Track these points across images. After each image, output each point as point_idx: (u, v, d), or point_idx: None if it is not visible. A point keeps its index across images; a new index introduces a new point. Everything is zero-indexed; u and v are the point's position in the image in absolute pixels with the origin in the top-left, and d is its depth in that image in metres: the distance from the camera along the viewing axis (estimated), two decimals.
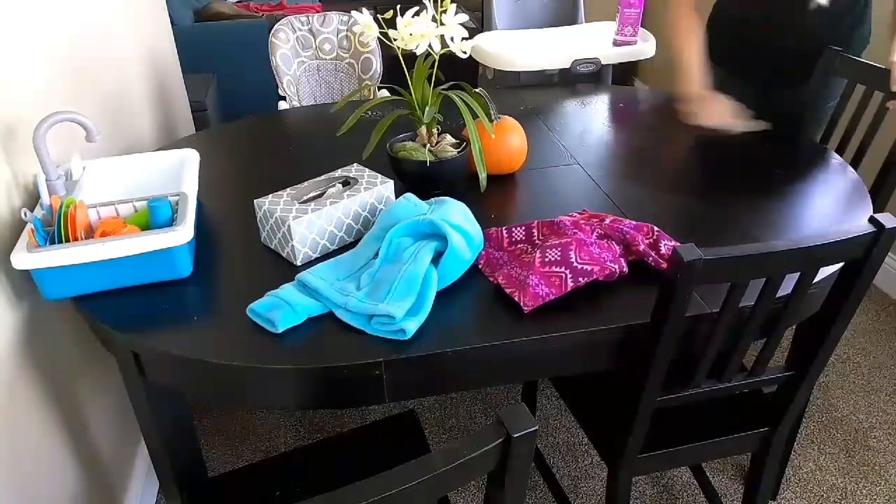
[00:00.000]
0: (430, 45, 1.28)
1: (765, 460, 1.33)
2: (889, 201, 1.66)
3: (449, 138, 1.40)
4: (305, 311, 1.04)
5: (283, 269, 1.16)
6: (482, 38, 2.21)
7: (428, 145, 1.37)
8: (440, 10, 1.27)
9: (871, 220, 0.98)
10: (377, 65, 2.32)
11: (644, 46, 2.14)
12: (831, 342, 1.14)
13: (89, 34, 1.69)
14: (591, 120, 1.77)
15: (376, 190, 1.23)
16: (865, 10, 1.73)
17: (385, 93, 2.31)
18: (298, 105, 2.29)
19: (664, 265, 1.10)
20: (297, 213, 1.14)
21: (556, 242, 1.11)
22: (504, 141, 1.42)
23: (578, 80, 2.12)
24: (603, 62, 2.12)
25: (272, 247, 1.22)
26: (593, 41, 2.21)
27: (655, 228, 1.18)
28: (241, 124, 1.85)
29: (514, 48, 2.15)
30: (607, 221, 1.18)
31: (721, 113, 1.62)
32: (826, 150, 1.58)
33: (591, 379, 1.40)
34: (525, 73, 2.24)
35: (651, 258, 1.12)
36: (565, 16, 2.93)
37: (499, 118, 1.44)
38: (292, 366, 0.97)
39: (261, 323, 1.03)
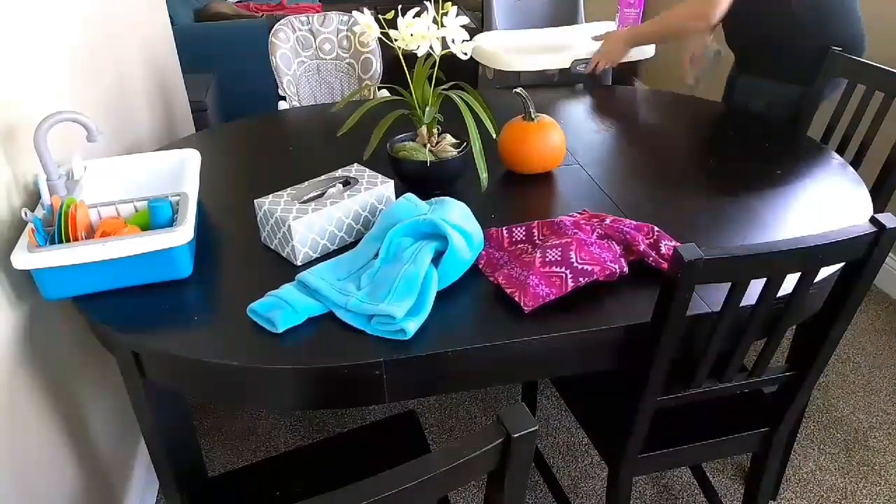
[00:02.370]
0: (430, 47, 1.28)
1: (765, 460, 1.33)
2: (890, 201, 1.66)
3: (449, 138, 1.40)
4: (305, 311, 1.04)
5: (283, 269, 1.16)
6: (482, 38, 2.19)
7: (428, 145, 1.37)
8: (441, 11, 1.27)
9: (872, 220, 0.98)
10: (377, 65, 2.32)
11: (644, 47, 2.13)
12: (832, 342, 1.14)
13: (89, 34, 1.69)
14: (591, 120, 1.77)
15: (376, 190, 1.23)
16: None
17: (385, 93, 2.31)
18: (298, 105, 2.29)
19: (664, 265, 1.10)
20: (298, 213, 1.14)
21: (557, 242, 1.11)
22: (545, 138, 1.42)
23: (578, 80, 2.12)
24: None
25: (272, 247, 1.22)
26: (593, 41, 2.21)
27: (656, 228, 1.18)
28: (241, 124, 1.85)
29: (514, 48, 2.14)
30: (607, 221, 1.18)
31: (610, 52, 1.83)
32: (826, 150, 1.58)
33: (591, 379, 1.40)
34: (525, 73, 2.23)
35: (651, 258, 1.12)
36: (565, 15, 2.92)
37: (537, 117, 1.44)
38: (292, 366, 0.97)
39: (261, 323, 1.03)
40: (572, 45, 2.16)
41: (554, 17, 2.91)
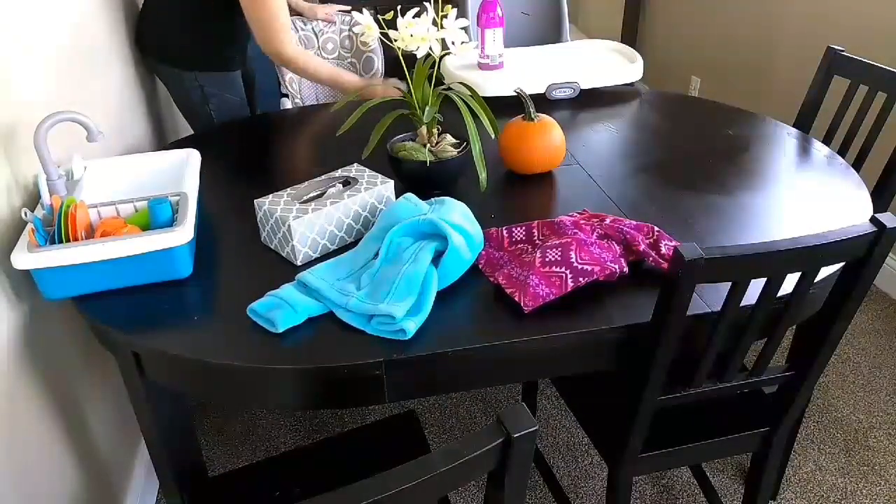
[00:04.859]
0: (429, 47, 1.28)
1: (765, 460, 1.33)
2: (892, 202, 1.66)
3: (449, 138, 1.40)
4: (305, 311, 1.04)
5: (283, 269, 1.16)
6: (449, 59, 2.07)
7: (428, 145, 1.37)
8: (440, 13, 1.27)
9: (873, 219, 0.98)
10: (379, 64, 2.32)
11: (631, 68, 2.00)
12: (832, 342, 1.14)
13: (90, 34, 1.69)
14: (591, 120, 1.77)
15: (376, 190, 1.23)
16: None
17: None
18: (301, 103, 2.29)
19: (664, 265, 1.10)
20: (298, 213, 1.14)
21: (557, 242, 1.11)
22: (545, 138, 1.43)
23: (557, 104, 1.95)
24: (583, 86, 1.95)
25: (272, 247, 1.22)
26: (573, 63, 1.99)
27: (656, 228, 1.18)
28: (242, 124, 1.85)
29: (482, 71, 1.99)
30: (607, 221, 1.18)
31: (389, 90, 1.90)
32: (830, 152, 1.58)
33: (591, 379, 1.40)
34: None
35: (651, 258, 1.12)
36: (548, 33, 2.73)
37: (537, 117, 1.44)
38: (292, 366, 0.97)
39: (261, 323, 1.03)
40: (548, 67, 1.96)
41: (535, 34, 2.70)
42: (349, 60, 2.33)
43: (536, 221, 1.21)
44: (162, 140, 2.22)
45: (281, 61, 1.83)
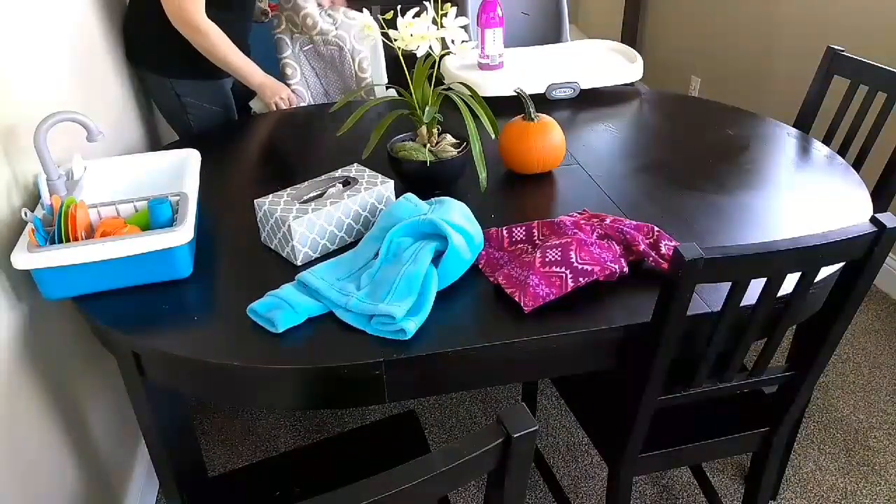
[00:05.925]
0: (429, 47, 1.28)
1: (765, 460, 1.33)
2: (892, 202, 1.66)
3: (449, 138, 1.40)
4: (305, 311, 1.04)
5: (283, 269, 1.16)
6: (449, 59, 2.07)
7: (428, 145, 1.37)
8: (440, 12, 1.27)
9: (873, 219, 0.98)
10: (379, 43, 2.27)
11: (631, 68, 2.00)
12: (832, 342, 1.14)
13: (89, 34, 1.69)
14: (591, 120, 1.77)
15: (376, 190, 1.23)
16: None
17: (392, 92, 2.30)
18: (303, 82, 2.26)
19: (664, 265, 1.10)
20: (298, 213, 1.14)
21: (557, 242, 1.11)
22: (545, 138, 1.43)
23: (557, 104, 1.88)
24: (583, 86, 1.94)
25: (272, 247, 1.22)
26: (573, 63, 1.99)
27: (656, 228, 1.18)
28: (241, 124, 1.85)
29: (482, 71, 1.99)
30: (607, 221, 1.19)
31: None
32: (830, 152, 1.58)
33: (591, 379, 1.40)
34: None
35: (651, 258, 1.12)
36: (548, 33, 2.72)
37: (537, 117, 1.44)
38: (292, 366, 0.97)
39: (261, 323, 1.03)
40: (548, 67, 1.95)
41: (535, 34, 2.69)
42: (335, 34, 2.24)
43: (536, 221, 1.21)
44: (161, 140, 2.22)
45: (192, 32, 1.72)
